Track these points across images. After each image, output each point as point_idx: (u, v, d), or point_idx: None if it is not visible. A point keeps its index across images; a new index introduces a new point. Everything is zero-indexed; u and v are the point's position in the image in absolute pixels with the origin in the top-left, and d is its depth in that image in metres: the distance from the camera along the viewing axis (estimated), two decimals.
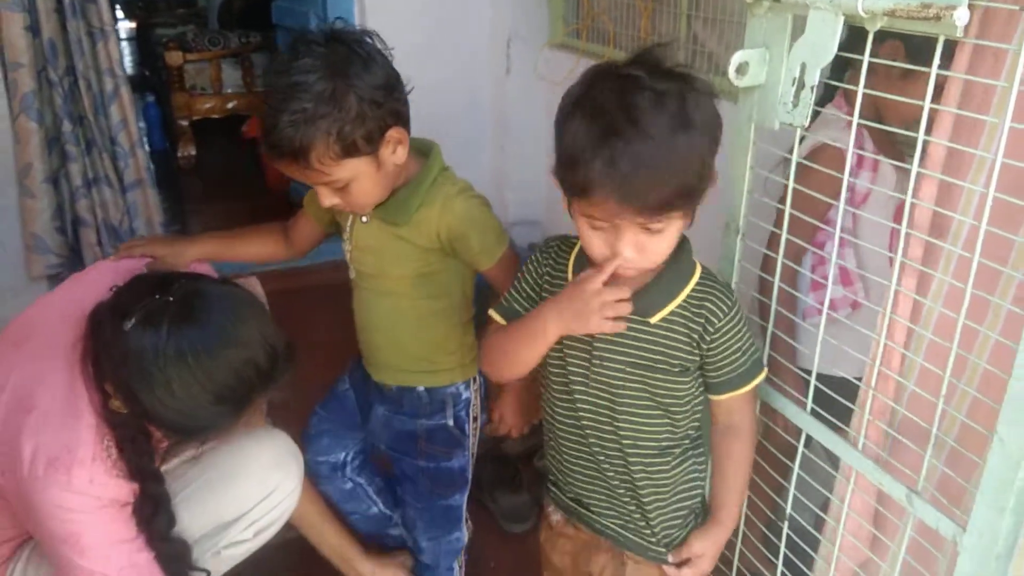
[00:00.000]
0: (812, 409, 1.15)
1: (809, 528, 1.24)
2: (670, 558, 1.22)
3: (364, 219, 1.41)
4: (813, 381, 1.14)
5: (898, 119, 1.38)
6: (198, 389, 1.14)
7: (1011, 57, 0.87)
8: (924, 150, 1.00)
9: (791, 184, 1.14)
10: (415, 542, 1.70)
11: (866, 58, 0.96)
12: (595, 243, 1.05)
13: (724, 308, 1.11)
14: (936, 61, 0.88)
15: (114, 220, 3.01)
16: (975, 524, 0.90)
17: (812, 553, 1.24)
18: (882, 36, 1.27)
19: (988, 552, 0.89)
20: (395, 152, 1.30)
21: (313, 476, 1.70)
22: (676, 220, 1.03)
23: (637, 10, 2.76)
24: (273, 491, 1.48)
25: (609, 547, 1.27)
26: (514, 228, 1.49)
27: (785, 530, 1.23)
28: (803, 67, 0.99)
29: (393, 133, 1.28)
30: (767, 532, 1.38)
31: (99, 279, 1.37)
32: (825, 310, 1.12)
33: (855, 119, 1.02)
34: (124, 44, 3.17)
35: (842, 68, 1.44)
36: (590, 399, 1.18)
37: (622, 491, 1.22)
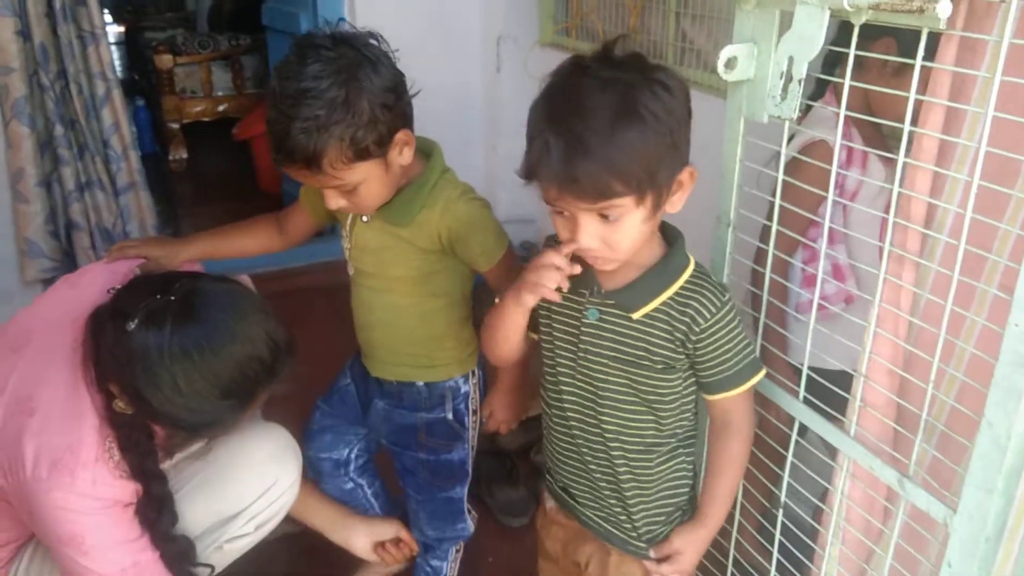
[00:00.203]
0: (805, 398, 1.16)
1: (806, 517, 1.26)
2: (651, 553, 1.23)
3: (365, 219, 1.41)
4: (805, 371, 1.15)
5: (891, 116, 1.40)
6: (203, 385, 1.15)
7: (991, 48, 0.89)
8: (912, 143, 1.02)
9: (780, 177, 1.16)
10: (420, 531, 1.71)
11: (852, 52, 0.98)
12: (559, 228, 1.07)
13: (711, 308, 1.09)
14: (920, 53, 0.89)
15: (107, 223, 3.02)
16: (965, 506, 0.91)
17: (808, 541, 1.26)
18: (875, 33, 1.30)
19: (978, 534, 0.91)
20: (402, 154, 1.31)
21: (315, 473, 1.71)
22: (630, 211, 1.01)
23: (626, 8, 2.77)
24: (273, 485, 1.49)
25: (595, 538, 1.28)
26: (506, 226, 1.51)
27: (780, 518, 1.24)
28: (791, 61, 1.01)
29: (401, 135, 1.29)
30: (763, 521, 1.40)
31: (93, 281, 1.38)
32: (815, 304, 1.14)
33: (842, 112, 1.03)
34: (113, 48, 3.18)
35: (834, 64, 1.46)
36: (576, 392, 1.20)
37: (603, 484, 1.23)
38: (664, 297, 1.10)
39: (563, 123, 0.97)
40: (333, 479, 1.73)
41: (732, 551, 1.35)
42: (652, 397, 1.15)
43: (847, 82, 1.00)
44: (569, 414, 1.21)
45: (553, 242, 1.13)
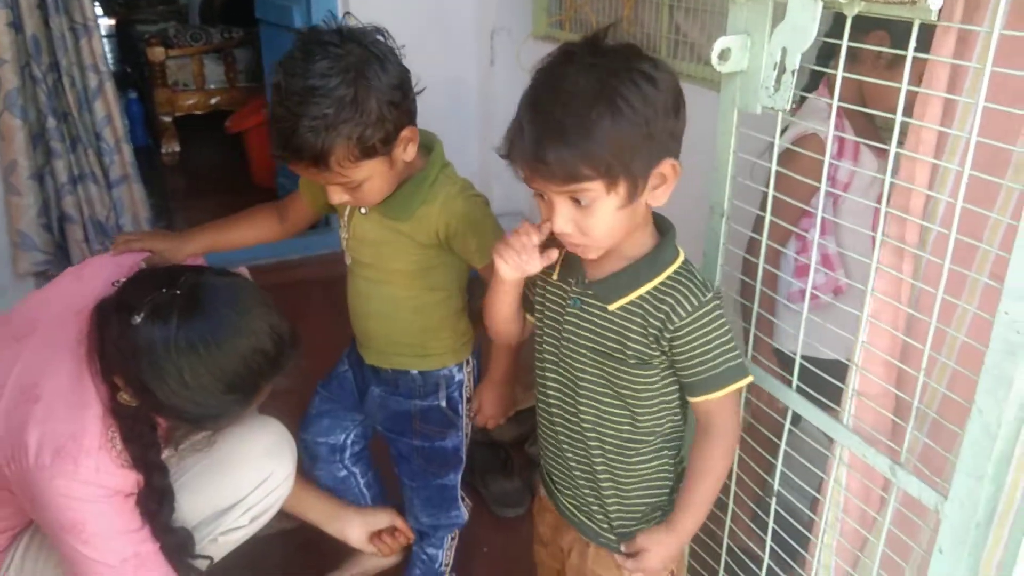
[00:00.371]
0: (798, 387, 1.17)
1: (800, 506, 1.27)
2: (622, 547, 1.23)
3: (363, 211, 1.41)
4: (798, 360, 1.16)
5: (884, 108, 1.41)
6: (209, 379, 1.16)
7: (982, 39, 0.90)
8: (910, 135, 1.03)
9: (773, 167, 1.17)
10: (415, 518, 1.72)
11: (844, 43, 0.98)
12: (541, 211, 1.07)
13: (689, 307, 1.07)
14: (912, 45, 0.90)
15: (100, 216, 3.02)
16: (956, 492, 0.92)
17: (802, 529, 1.27)
18: (869, 26, 1.31)
19: (968, 520, 0.92)
20: (406, 150, 1.31)
21: (311, 457, 1.72)
22: (601, 198, 1.00)
23: (619, 0, 2.78)
24: (268, 477, 1.50)
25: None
26: (499, 219, 1.52)
27: (773, 506, 1.25)
28: (784, 52, 1.01)
29: (406, 132, 1.29)
30: (756, 509, 1.41)
31: (97, 273, 1.39)
32: (808, 293, 1.15)
33: (835, 103, 1.04)
34: (104, 41, 3.17)
35: (828, 56, 1.46)
36: (558, 381, 1.21)
37: (579, 474, 1.23)
38: (642, 291, 1.09)
39: (539, 105, 0.99)
40: (328, 465, 1.74)
41: (726, 539, 1.36)
42: (626, 392, 1.14)
43: (839, 73, 1.01)
44: (552, 402, 1.23)
45: None
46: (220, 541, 1.46)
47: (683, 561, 1.32)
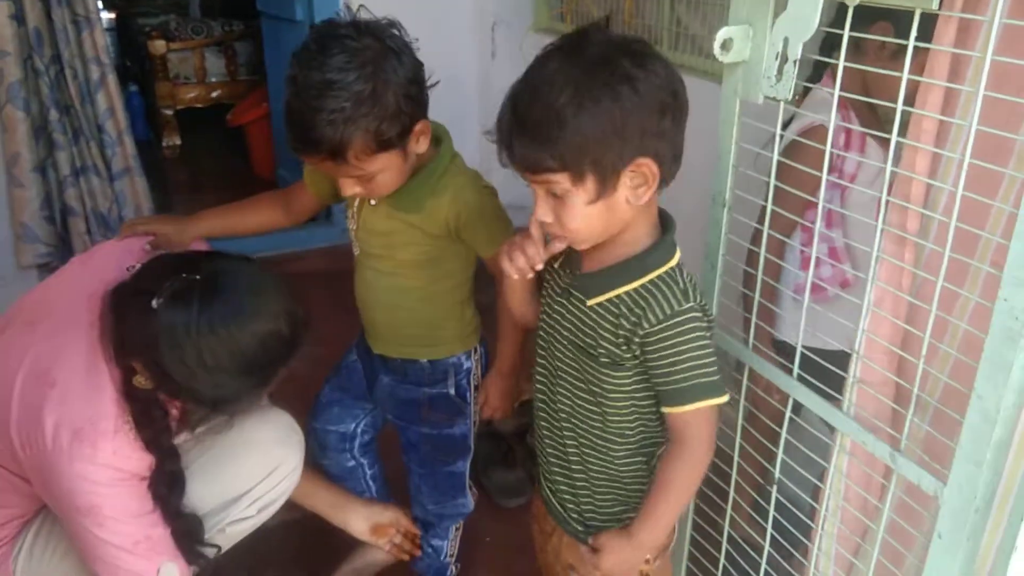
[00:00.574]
0: (799, 375, 1.18)
1: (801, 494, 1.28)
2: (590, 540, 1.23)
3: (372, 202, 1.42)
4: (799, 349, 1.17)
5: (887, 99, 1.42)
6: (228, 362, 1.18)
7: (984, 29, 0.90)
8: (912, 124, 1.04)
9: (775, 158, 1.17)
10: (421, 507, 1.73)
11: (846, 33, 0.99)
12: (533, 199, 1.09)
13: (660, 314, 1.05)
14: (913, 34, 0.91)
15: (103, 208, 3.02)
16: (955, 478, 0.93)
17: (803, 517, 1.28)
18: (872, 17, 1.31)
19: (967, 505, 0.92)
20: (419, 142, 1.32)
21: (320, 446, 1.73)
22: (571, 190, 1.01)
23: None
24: (277, 468, 1.51)
25: None
26: None
27: (774, 494, 1.26)
28: (786, 42, 1.02)
29: (419, 125, 1.30)
30: (758, 498, 1.42)
31: (106, 259, 1.40)
32: (808, 284, 1.16)
33: (836, 94, 1.05)
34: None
35: (832, 47, 1.47)
36: (544, 369, 1.22)
37: (554, 461, 1.25)
38: (621, 290, 1.09)
39: (515, 97, 1.01)
40: (337, 454, 1.75)
41: (727, 528, 1.37)
42: (597, 390, 1.14)
43: (841, 63, 1.02)
44: (537, 388, 1.24)
45: None
46: (228, 531, 1.47)
47: (668, 562, 1.32)
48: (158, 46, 4.63)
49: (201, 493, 1.41)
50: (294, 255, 3.42)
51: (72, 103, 2.90)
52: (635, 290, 1.08)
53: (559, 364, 1.18)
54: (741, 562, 1.36)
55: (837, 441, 1.15)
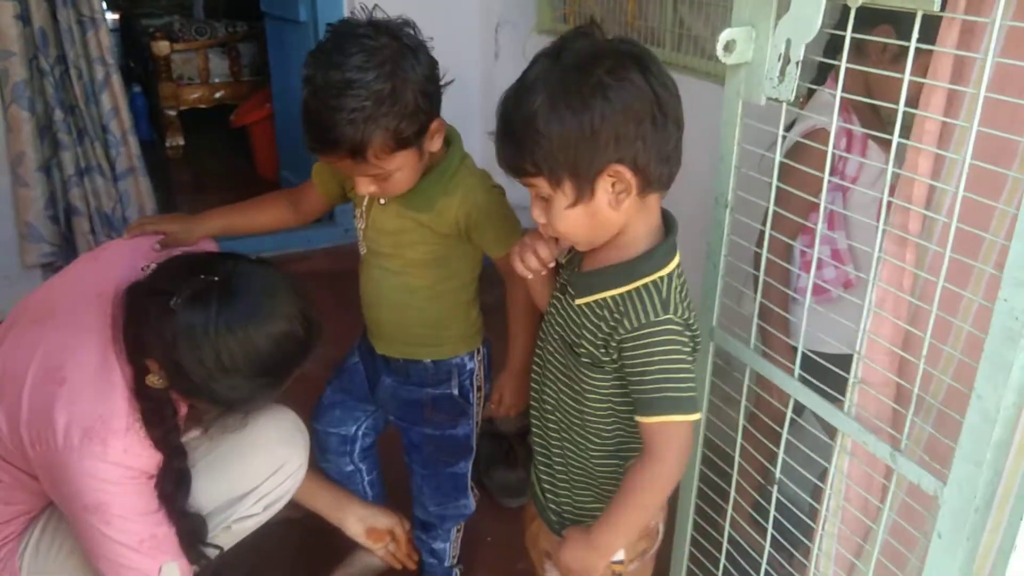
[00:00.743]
0: (801, 376, 1.18)
1: (802, 495, 1.28)
2: (563, 533, 1.24)
3: (382, 201, 1.42)
4: (800, 349, 1.18)
5: (890, 100, 1.42)
6: (245, 362, 1.20)
7: (988, 30, 0.91)
8: (914, 126, 1.05)
9: (777, 159, 1.18)
10: (423, 508, 1.73)
11: (848, 35, 1.00)
12: None
13: (635, 322, 1.06)
14: (915, 36, 0.91)
15: (107, 208, 3.03)
16: (955, 478, 0.94)
17: (804, 518, 1.28)
18: (875, 19, 1.32)
19: (967, 505, 0.93)
20: (433, 140, 1.32)
21: (321, 448, 1.73)
22: (553, 195, 1.03)
23: None
24: (282, 466, 1.52)
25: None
26: None
27: (775, 495, 1.27)
28: (788, 43, 1.03)
29: (435, 123, 1.31)
30: (759, 498, 1.42)
31: (115, 256, 1.41)
32: (810, 287, 1.16)
33: (838, 95, 1.05)
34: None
35: (836, 49, 1.47)
36: (540, 361, 1.25)
37: (539, 449, 1.28)
38: (607, 294, 1.10)
39: (506, 99, 1.04)
40: (337, 457, 1.75)
41: (727, 528, 1.38)
42: (578, 388, 1.16)
43: (843, 65, 1.02)
44: (532, 378, 1.27)
45: None
46: (234, 528, 1.48)
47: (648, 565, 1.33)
48: (162, 47, 4.64)
49: (207, 490, 1.42)
50: (298, 255, 3.43)
51: (77, 103, 2.91)
52: (621, 295, 1.08)
53: (548, 358, 1.21)
54: (742, 562, 1.37)
55: (838, 442, 1.16)
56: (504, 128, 1.04)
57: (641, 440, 1.11)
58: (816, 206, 1.38)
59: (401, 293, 1.49)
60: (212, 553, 1.43)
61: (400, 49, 1.23)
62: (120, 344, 1.25)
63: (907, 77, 0.93)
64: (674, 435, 1.08)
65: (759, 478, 1.42)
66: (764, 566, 1.29)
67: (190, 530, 1.36)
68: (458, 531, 1.80)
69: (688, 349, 1.08)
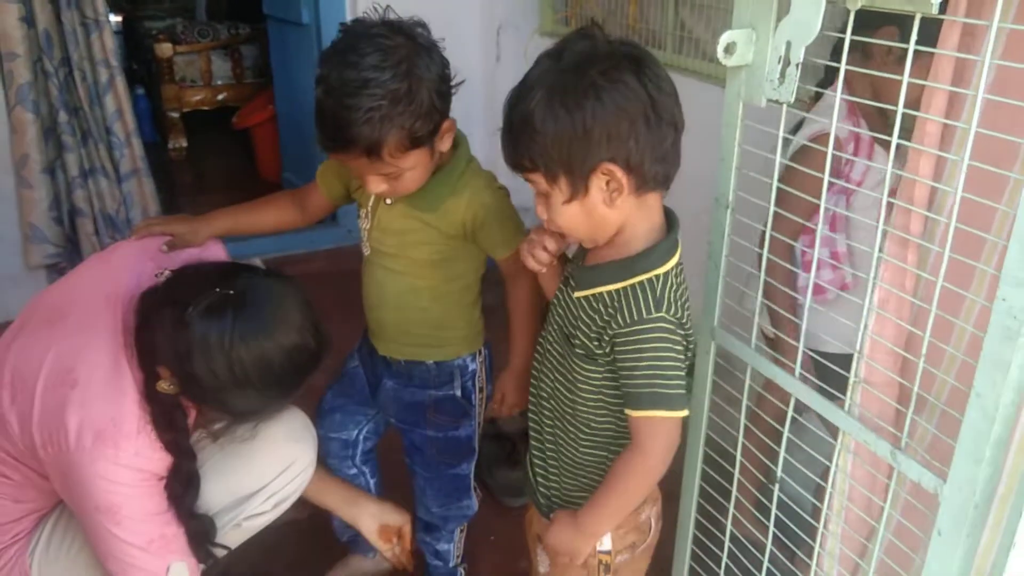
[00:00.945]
0: (801, 375, 1.19)
1: (804, 494, 1.29)
2: (551, 515, 1.27)
3: (388, 201, 1.43)
4: (801, 348, 1.18)
5: (895, 103, 1.44)
6: (257, 374, 1.22)
7: (987, 33, 0.92)
8: (915, 128, 1.06)
9: (778, 160, 1.18)
10: (426, 509, 1.74)
11: (847, 37, 1.01)
12: None
13: (628, 319, 1.09)
14: (913, 38, 0.92)
15: (111, 210, 3.04)
16: (955, 475, 0.94)
17: (806, 516, 1.28)
18: (879, 22, 1.33)
19: (967, 502, 0.93)
20: (443, 140, 1.34)
21: (323, 454, 1.73)
22: (549, 190, 1.08)
23: None
24: (291, 464, 1.53)
25: None
26: None
27: (776, 493, 1.27)
28: (788, 45, 1.03)
29: (447, 123, 1.32)
30: (760, 497, 1.43)
31: (125, 259, 1.42)
32: (811, 286, 1.17)
33: (837, 97, 1.06)
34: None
35: (842, 52, 1.48)
36: (540, 347, 1.28)
37: (534, 434, 1.31)
38: (604, 288, 1.12)
39: (510, 97, 1.08)
40: (339, 462, 1.76)
41: (729, 526, 1.38)
42: (571, 377, 1.19)
43: (843, 67, 1.03)
44: (533, 365, 1.30)
45: None
46: (244, 526, 1.49)
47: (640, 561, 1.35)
48: (164, 49, 4.66)
49: (217, 488, 1.43)
50: (300, 257, 3.44)
51: (81, 105, 2.92)
52: (617, 290, 1.11)
53: (548, 347, 1.24)
54: (744, 561, 1.37)
55: (839, 441, 1.17)
56: (506, 125, 1.08)
57: (629, 434, 1.14)
58: (819, 208, 1.39)
59: (405, 294, 1.50)
60: (220, 553, 1.44)
61: (415, 49, 1.25)
62: (132, 349, 1.27)
63: (906, 79, 0.94)
64: (660, 430, 1.11)
65: (761, 477, 1.43)
66: (766, 565, 1.30)
67: (199, 530, 1.37)
68: (461, 531, 1.81)
69: (680, 348, 1.10)
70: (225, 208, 1.61)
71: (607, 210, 1.08)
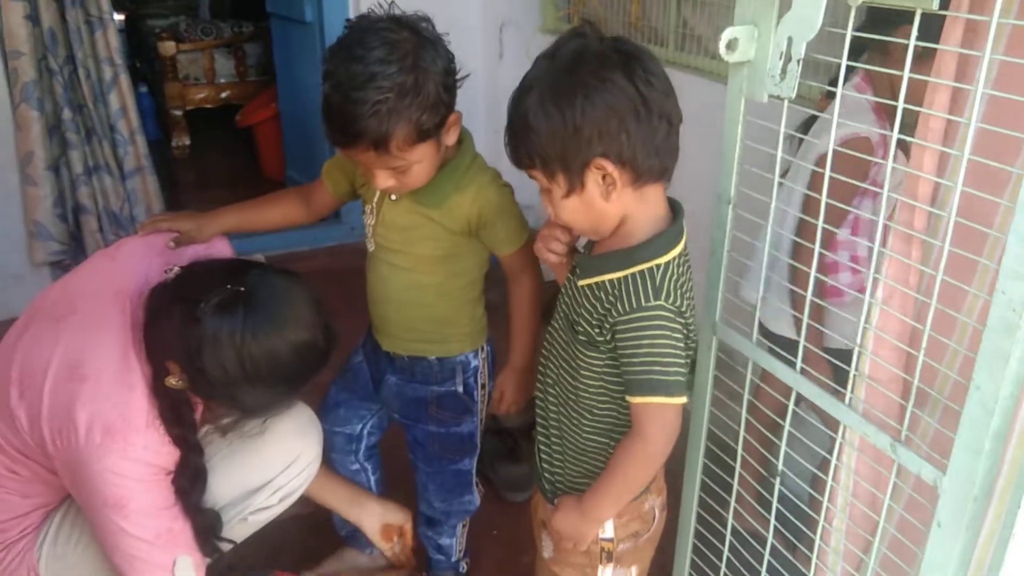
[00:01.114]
0: (801, 368, 1.19)
1: (801, 484, 1.29)
2: (556, 500, 1.29)
3: (393, 197, 1.44)
4: (802, 344, 1.19)
5: (916, 102, 1.43)
6: (267, 370, 1.23)
7: (992, 27, 0.92)
8: (918, 124, 1.06)
9: (779, 155, 1.19)
10: (428, 504, 1.75)
11: (848, 33, 1.01)
12: None
13: (627, 307, 1.11)
14: (914, 34, 0.93)
15: (115, 207, 3.06)
16: (954, 467, 0.95)
17: (805, 508, 1.29)
18: (897, 20, 1.33)
19: (966, 494, 0.94)
20: (449, 133, 1.34)
21: (327, 448, 1.74)
22: (549, 186, 1.12)
23: None
24: (297, 458, 1.54)
25: None
26: None
27: (777, 486, 1.28)
28: (790, 41, 1.04)
29: (453, 116, 1.33)
30: (761, 490, 1.44)
31: (131, 255, 1.43)
32: (811, 286, 1.17)
33: (838, 93, 1.07)
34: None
35: (860, 51, 1.48)
36: (549, 334, 1.30)
37: (540, 420, 1.32)
38: (605, 278, 1.14)
39: (512, 95, 1.11)
40: (342, 456, 1.77)
41: (731, 519, 1.39)
42: (574, 364, 1.21)
43: (843, 63, 1.04)
44: (542, 353, 1.32)
45: None
46: (250, 520, 1.50)
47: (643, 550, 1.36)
48: (168, 47, 4.67)
49: (224, 482, 1.45)
50: (301, 254, 3.44)
51: (85, 103, 2.93)
52: (619, 279, 1.13)
53: (555, 334, 1.26)
54: (745, 554, 1.38)
55: (839, 435, 1.17)
56: (507, 123, 1.12)
57: (628, 417, 1.17)
58: (846, 212, 1.39)
59: (409, 290, 1.51)
60: (226, 547, 1.45)
61: (420, 42, 1.25)
62: (140, 344, 1.28)
63: (906, 75, 0.95)
64: (659, 416, 1.13)
65: (760, 469, 1.44)
66: (767, 557, 1.30)
67: (205, 524, 1.38)
68: (464, 526, 1.81)
69: (679, 336, 1.12)
70: (231, 205, 1.62)
71: (605, 204, 1.11)
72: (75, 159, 2.93)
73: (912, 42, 0.94)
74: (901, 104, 0.98)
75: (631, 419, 1.16)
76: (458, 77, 1.34)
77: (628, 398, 1.14)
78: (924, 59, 1.30)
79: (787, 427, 1.24)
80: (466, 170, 1.41)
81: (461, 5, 3.32)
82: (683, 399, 1.13)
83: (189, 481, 1.34)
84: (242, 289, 1.23)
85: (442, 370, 1.57)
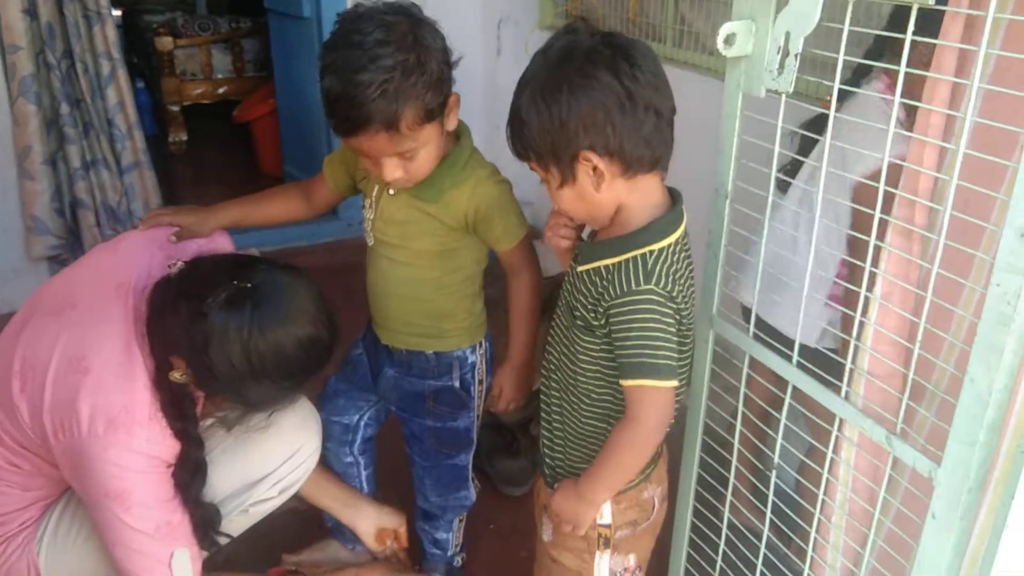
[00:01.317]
0: (798, 363, 1.20)
1: (792, 472, 1.30)
2: (556, 484, 1.31)
3: (391, 191, 1.44)
4: (798, 341, 1.19)
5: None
6: (273, 366, 1.24)
7: (988, 21, 0.93)
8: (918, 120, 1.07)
9: (776, 149, 1.19)
10: (424, 498, 1.75)
11: (845, 28, 1.02)
12: None
13: (618, 291, 1.13)
14: (910, 30, 0.94)
15: (112, 202, 3.06)
16: (948, 459, 0.96)
17: (799, 499, 1.30)
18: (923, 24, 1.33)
19: (961, 486, 0.95)
20: (450, 117, 1.35)
21: (324, 438, 1.74)
22: (547, 176, 1.16)
23: None
24: (297, 451, 1.55)
25: None
26: None
27: (773, 479, 1.29)
28: (787, 36, 1.05)
29: (453, 97, 1.33)
30: (756, 481, 1.44)
31: (133, 249, 1.43)
32: (807, 280, 1.18)
33: (834, 94, 1.07)
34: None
35: (881, 52, 1.49)
36: (554, 325, 1.31)
37: (543, 405, 1.34)
38: (601, 263, 1.17)
39: (514, 91, 1.14)
40: (338, 447, 1.77)
41: (727, 513, 1.40)
42: (572, 349, 1.24)
43: (840, 60, 1.04)
44: (548, 340, 1.33)
45: None
46: (251, 512, 1.51)
47: (641, 540, 1.36)
48: (165, 43, 4.67)
49: (225, 474, 1.45)
50: (299, 249, 3.45)
51: (83, 97, 2.93)
52: (613, 264, 1.16)
53: (558, 320, 1.29)
54: (741, 548, 1.39)
55: (835, 428, 1.18)
56: (508, 118, 1.16)
57: (623, 402, 1.18)
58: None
59: (406, 284, 1.51)
60: (223, 540, 1.45)
61: (416, 22, 1.26)
62: (143, 338, 1.28)
63: (903, 70, 0.96)
64: (650, 399, 1.15)
65: (756, 462, 1.44)
66: (763, 551, 1.31)
67: (204, 518, 1.38)
68: (460, 521, 1.82)
69: (669, 320, 1.14)
70: (232, 200, 1.62)
71: (597, 194, 1.15)
72: (73, 153, 2.93)
73: (908, 37, 0.94)
74: (898, 100, 0.98)
75: (625, 403, 1.18)
76: (453, 59, 1.33)
77: (621, 381, 1.16)
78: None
79: (783, 420, 1.25)
80: (464, 165, 1.42)
81: (459, 2, 3.32)
82: (673, 383, 1.15)
83: (189, 474, 1.34)
84: (249, 285, 1.24)
85: (439, 365, 1.57)
